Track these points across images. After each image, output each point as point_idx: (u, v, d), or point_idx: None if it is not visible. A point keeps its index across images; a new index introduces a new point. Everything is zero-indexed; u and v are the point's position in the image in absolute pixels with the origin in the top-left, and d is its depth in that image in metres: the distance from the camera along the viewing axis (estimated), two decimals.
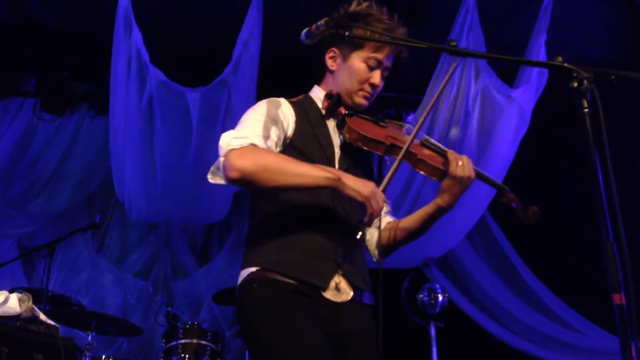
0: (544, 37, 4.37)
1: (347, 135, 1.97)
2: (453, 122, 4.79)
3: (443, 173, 1.99)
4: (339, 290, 1.87)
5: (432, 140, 2.08)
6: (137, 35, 4.53)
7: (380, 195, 1.82)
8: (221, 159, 1.80)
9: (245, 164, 1.75)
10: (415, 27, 4.45)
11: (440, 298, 4.85)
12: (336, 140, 2.03)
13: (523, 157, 4.85)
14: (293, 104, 2.06)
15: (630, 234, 1.35)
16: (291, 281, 1.83)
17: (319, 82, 2.17)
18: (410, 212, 2.31)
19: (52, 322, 2.78)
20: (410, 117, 5.86)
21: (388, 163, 2.14)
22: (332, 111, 2.06)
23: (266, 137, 1.88)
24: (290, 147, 1.95)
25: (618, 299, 1.27)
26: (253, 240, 1.96)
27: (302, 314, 1.81)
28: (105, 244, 6.21)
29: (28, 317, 2.61)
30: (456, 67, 1.97)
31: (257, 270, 1.88)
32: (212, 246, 6.52)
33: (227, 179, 1.79)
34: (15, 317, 2.57)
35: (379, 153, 1.98)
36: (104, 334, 4.66)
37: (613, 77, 1.47)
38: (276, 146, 1.92)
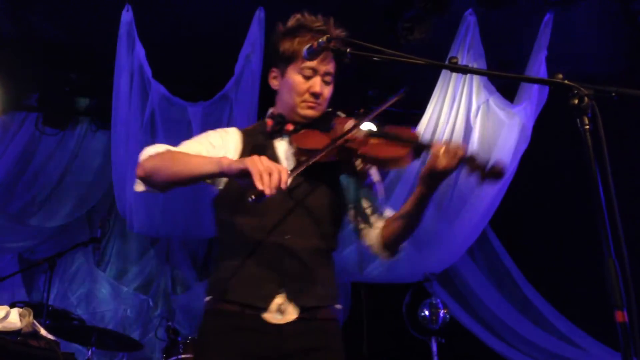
0: (544, 53, 4.40)
1: (292, 153, 1.97)
2: (454, 137, 4.80)
3: (400, 161, 1.89)
4: (282, 311, 1.86)
5: (385, 130, 1.97)
6: (139, 50, 4.57)
7: (273, 168, 1.64)
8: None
9: (148, 162, 1.86)
10: (416, 43, 4.49)
11: (442, 313, 4.84)
12: (290, 159, 2.00)
13: (524, 173, 4.86)
14: (244, 133, 2.09)
15: (632, 250, 1.35)
16: (234, 308, 1.86)
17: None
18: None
19: (52, 337, 2.77)
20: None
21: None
22: (279, 131, 2.04)
23: (194, 151, 1.95)
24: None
25: (620, 316, 1.26)
26: (213, 268, 2.04)
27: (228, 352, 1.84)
28: (105, 258, 6.19)
29: (29, 332, 2.60)
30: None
31: (209, 300, 1.95)
32: (213, 260, 6.51)
33: (137, 178, 1.89)
34: (16, 332, 2.56)
35: (328, 160, 1.89)
36: (104, 349, 4.64)
37: (613, 94, 1.47)
38: None
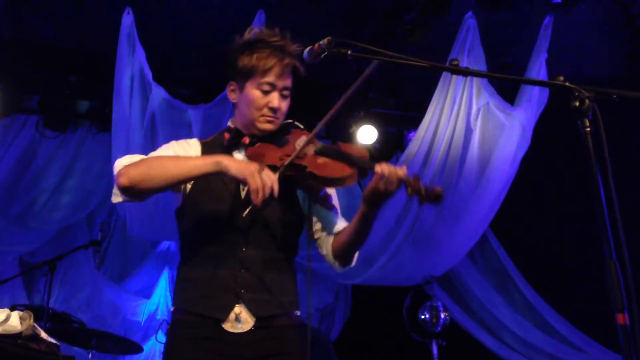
0: (544, 56, 4.40)
1: None
2: (454, 139, 4.80)
3: (344, 181, 1.93)
4: (239, 320, 1.90)
5: (335, 148, 2.02)
6: (140, 53, 4.57)
7: (268, 174, 1.79)
8: (114, 174, 1.91)
9: (132, 170, 1.87)
10: (417, 45, 4.50)
11: (442, 316, 4.84)
12: None
13: (525, 175, 4.85)
14: (204, 144, 2.12)
15: (633, 253, 1.34)
16: (194, 319, 1.91)
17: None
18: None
19: (53, 341, 2.77)
20: (411, 135, 5.87)
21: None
22: (235, 144, 2.08)
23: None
24: (194, 186, 2.00)
25: (621, 318, 1.26)
26: (176, 278, 2.07)
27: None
28: (106, 261, 6.20)
29: (29, 336, 2.60)
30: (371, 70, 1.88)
31: (173, 310, 2.01)
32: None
33: (119, 187, 1.89)
34: (17, 336, 2.56)
35: (279, 176, 1.91)
36: (105, 352, 4.64)
37: (614, 96, 1.47)
38: None
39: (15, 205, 5.69)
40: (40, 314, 4.20)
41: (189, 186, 2.00)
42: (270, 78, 2.02)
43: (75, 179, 5.88)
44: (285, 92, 2.08)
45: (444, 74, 4.60)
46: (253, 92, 2.04)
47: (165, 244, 6.27)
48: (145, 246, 6.32)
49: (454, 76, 4.48)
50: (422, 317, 4.89)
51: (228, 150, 2.08)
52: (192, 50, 5.26)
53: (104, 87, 5.17)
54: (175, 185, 1.93)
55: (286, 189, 2.00)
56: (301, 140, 2.00)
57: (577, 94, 1.45)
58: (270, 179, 1.78)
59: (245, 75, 2.04)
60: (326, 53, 1.90)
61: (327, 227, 2.11)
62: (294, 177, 1.98)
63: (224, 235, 1.95)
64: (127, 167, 1.88)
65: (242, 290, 1.92)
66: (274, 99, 2.03)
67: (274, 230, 1.99)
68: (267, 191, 1.76)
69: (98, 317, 5.77)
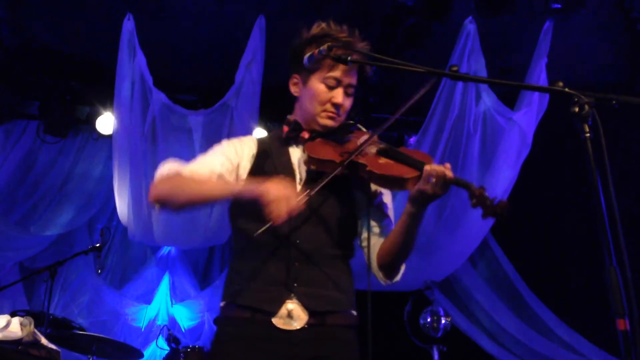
0: (544, 61, 4.41)
1: (305, 161, 1.98)
2: (455, 144, 4.80)
3: (405, 183, 1.88)
4: (292, 317, 1.87)
5: (399, 150, 1.97)
6: (140, 58, 4.59)
7: (288, 197, 1.70)
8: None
9: (160, 187, 1.90)
10: (417, 51, 4.51)
11: (443, 321, 4.83)
12: (302, 166, 2.02)
13: (525, 180, 4.85)
14: (260, 140, 2.12)
15: (633, 258, 1.34)
16: (245, 314, 1.88)
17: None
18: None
19: (53, 346, 2.77)
20: (412, 139, 5.88)
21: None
22: (293, 138, 2.06)
23: (206, 167, 1.99)
24: (250, 180, 1.99)
25: (622, 324, 1.26)
26: (227, 274, 2.06)
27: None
28: (106, 266, 6.19)
29: (29, 342, 2.60)
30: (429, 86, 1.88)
31: (223, 305, 1.98)
32: (214, 269, 6.51)
33: (150, 203, 1.92)
34: (17, 342, 2.56)
35: (337, 173, 1.88)
36: (105, 358, 4.62)
37: (614, 101, 1.47)
38: (227, 176, 2.00)
39: (15, 211, 5.69)
40: (40, 319, 4.19)
41: (241, 183, 2.00)
42: (336, 73, 2.00)
43: (76, 184, 5.89)
44: (350, 90, 2.05)
45: (444, 78, 4.60)
46: (317, 86, 2.02)
47: (165, 250, 6.27)
48: (146, 252, 6.31)
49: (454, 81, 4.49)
50: (423, 322, 4.88)
51: (286, 143, 2.07)
52: (192, 56, 5.27)
53: (105, 93, 5.18)
54: (203, 204, 2.01)
55: (343, 189, 2.00)
56: (362, 139, 1.96)
57: (576, 99, 1.45)
58: (285, 194, 1.70)
59: (311, 68, 2.01)
60: (326, 59, 1.91)
61: (376, 237, 2.04)
62: (352, 176, 1.94)
63: (278, 230, 1.89)
64: (160, 181, 1.91)
65: (296, 284, 1.88)
66: (338, 95, 2.01)
67: (328, 226, 1.96)
68: (284, 207, 1.68)
69: (98, 322, 5.76)
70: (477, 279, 5.87)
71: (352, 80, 2.04)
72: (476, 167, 4.84)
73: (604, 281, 1.31)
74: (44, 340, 2.71)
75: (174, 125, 4.92)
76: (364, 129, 2.08)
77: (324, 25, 2.07)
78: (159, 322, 5.95)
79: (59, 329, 4.50)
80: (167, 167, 1.95)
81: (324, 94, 2.01)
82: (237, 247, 2.04)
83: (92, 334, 4.51)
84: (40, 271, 4.68)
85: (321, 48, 1.88)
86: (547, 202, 5.76)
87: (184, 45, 5.17)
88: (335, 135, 2.02)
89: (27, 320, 2.62)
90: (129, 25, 4.49)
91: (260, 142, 2.11)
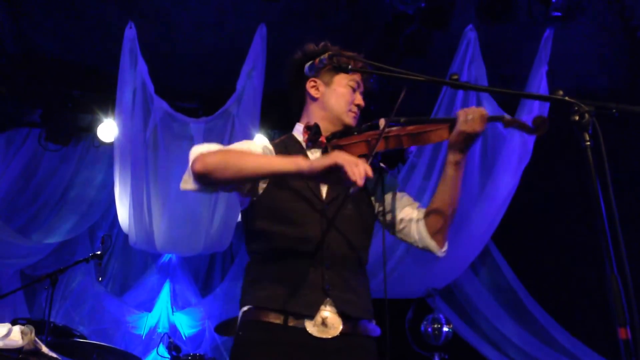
0: (545, 68, 4.42)
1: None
2: None
3: (441, 132, 1.98)
4: (326, 325, 1.84)
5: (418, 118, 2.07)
6: (142, 66, 4.60)
7: (358, 161, 1.62)
8: (190, 160, 1.84)
9: (209, 158, 1.80)
10: (418, 59, 4.52)
11: (445, 329, 4.82)
12: None
13: (526, 187, 4.85)
14: (274, 145, 2.11)
15: (634, 266, 1.34)
16: (277, 320, 1.84)
17: (298, 120, 2.21)
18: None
19: (54, 355, 2.76)
20: (412, 147, 5.87)
21: (411, 155, 2.14)
22: (314, 141, 2.08)
23: (246, 148, 1.96)
24: (270, 185, 1.97)
25: (623, 333, 1.25)
26: (247, 278, 1.99)
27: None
28: (107, 274, 6.19)
29: (30, 350, 2.59)
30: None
31: (247, 309, 1.92)
32: (215, 276, 6.50)
33: (193, 173, 1.81)
34: (18, 350, 2.55)
35: (366, 152, 1.94)
36: None
37: (614, 110, 1.48)
38: None
39: (17, 218, 5.69)
40: (41, 327, 4.18)
41: (262, 185, 1.96)
42: (358, 77, 2.15)
43: (77, 191, 5.89)
44: (362, 96, 2.19)
45: (445, 86, 4.61)
46: (343, 86, 2.13)
47: (166, 257, 6.26)
48: (147, 259, 6.31)
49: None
50: (425, 329, 4.87)
51: (307, 147, 2.10)
52: (193, 64, 5.29)
53: (106, 101, 5.20)
54: (248, 180, 1.88)
55: (363, 191, 2.05)
56: (382, 124, 2.02)
57: (576, 108, 1.45)
58: (355, 159, 1.63)
59: (335, 70, 2.10)
60: (327, 67, 1.92)
61: (411, 211, 2.09)
62: (391, 148, 2.00)
63: (305, 233, 1.91)
64: (204, 154, 1.81)
65: (330, 288, 1.87)
66: (359, 97, 2.16)
67: (352, 230, 1.98)
68: (362, 168, 1.59)
69: (99, 330, 5.76)
70: (479, 287, 5.86)
71: (363, 87, 2.19)
72: (477, 174, 4.84)
73: (606, 289, 1.31)
74: (44, 349, 2.70)
75: (175, 133, 4.93)
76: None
77: (323, 43, 2.15)
78: (159, 330, 5.94)
79: (60, 337, 4.48)
80: (205, 144, 1.89)
81: (349, 94, 2.14)
82: (258, 249, 1.98)
83: (93, 342, 4.51)
84: (41, 279, 4.67)
85: (322, 57, 1.91)
86: (548, 209, 5.76)
87: (186, 53, 5.19)
88: (348, 133, 2.09)
89: (28, 328, 2.61)
90: (130, 33, 4.50)
91: (277, 148, 2.09)
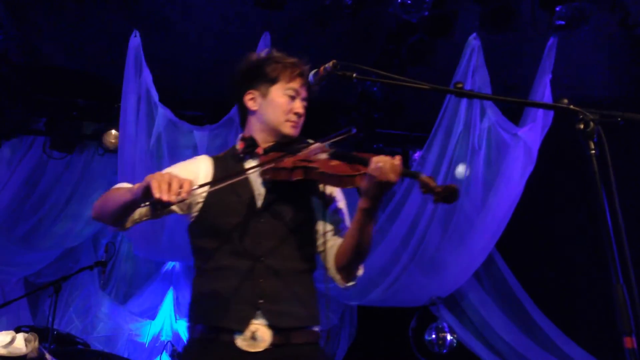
0: (549, 77, 4.41)
1: (260, 172, 2.02)
2: (459, 159, 4.80)
3: (354, 178, 1.91)
4: (255, 338, 1.86)
5: (350, 153, 2.03)
6: (146, 75, 4.61)
7: (173, 178, 1.64)
8: None
9: (96, 202, 2.01)
10: (421, 67, 4.52)
11: (449, 338, 4.81)
12: (258, 180, 2.05)
13: (530, 196, 4.84)
14: (216, 159, 2.15)
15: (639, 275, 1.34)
16: (209, 335, 1.88)
17: (242, 131, 2.23)
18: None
19: None
20: (416, 155, 5.88)
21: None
22: (249, 153, 2.10)
23: None
24: (207, 201, 2.01)
25: (629, 342, 1.25)
26: (191, 294, 2.03)
27: None
28: (111, 281, 6.19)
29: (34, 358, 2.59)
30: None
31: (190, 326, 1.99)
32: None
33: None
34: (22, 358, 2.56)
35: (291, 179, 1.95)
36: None
37: (619, 119, 1.47)
38: None
39: (21, 226, 5.70)
40: (45, 335, 4.19)
41: (200, 201, 2.00)
42: (295, 85, 2.10)
43: (82, 199, 5.90)
44: (305, 102, 2.14)
45: (449, 94, 4.61)
46: (280, 97, 2.10)
47: (170, 265, 6.26)
48: (150, 267, 6.31)
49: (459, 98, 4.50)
50: (428, 338, 4.86)
51: (242, 159, 2.11)
52: (197, 72, 5.31)
53: (111, 109, 5.21)
54: (123, 215, 1.93)
55: (301, 199, 2.04)
56: (314, 147, 2.03)
57: (581, 116, 1.45)
58: (177, 177, 1.65)
59: (272, 81, 2.10)
60: (332, 76, 1.93)
61: (332, 239, 2.07)
62: (306, 182, 1.99)
63: (241, 247, 1.93)
64: (96, 201, 1.99)
65: (261, 301, 1.88)
66: (299, 105, 2.11)
67: (291, 241, 1.98)
68: (175, 186, 1.61)
69: (102, 338, 5.75)
70: (483, 295, 5.84)
71: (306, 93, 2.14)
72: (481, 182, 4.83)
73: (611, 298, 1.30)
74: (48, 356, 2.70)
75: (179, 141, 4.94)
76: (312, 142, 2.12)
77: (266, 50, 2.24)
78: (162, 338, 5.94)
79: (63, 344, 4.49)
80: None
81: (286, 104, 2.10)
82: (200, 267, 2.03)
83: (96, 349, 4.51)
84: (44, 286, 4.68)
85: (326, 65, 1.90)
86: (553, 217, 5.74)
87: (190, 62, 5.21)
88: (287, 148, 2.07)
89: (32, 336, 2.62)
90: (135, 42, 4.52)
91: (216, 160, 2.15)
